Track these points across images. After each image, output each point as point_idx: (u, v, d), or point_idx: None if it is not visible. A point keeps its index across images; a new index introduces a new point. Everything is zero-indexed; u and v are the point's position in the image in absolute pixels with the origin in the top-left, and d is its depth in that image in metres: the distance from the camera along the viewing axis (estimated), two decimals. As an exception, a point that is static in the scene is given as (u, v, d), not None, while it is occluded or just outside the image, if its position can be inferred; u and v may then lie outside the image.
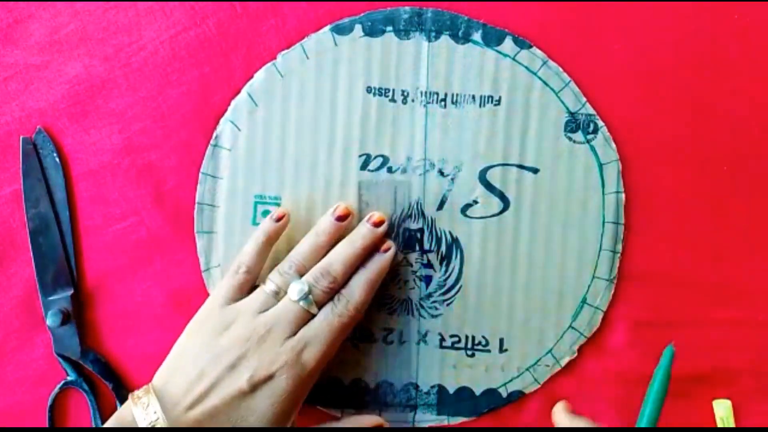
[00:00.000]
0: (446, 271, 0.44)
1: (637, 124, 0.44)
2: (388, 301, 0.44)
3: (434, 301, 0.44)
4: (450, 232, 0.44)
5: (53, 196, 0.45)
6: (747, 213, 0.45)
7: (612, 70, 0.44)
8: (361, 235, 0.42)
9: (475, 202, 0.44)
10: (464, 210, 0.44)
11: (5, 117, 0.45)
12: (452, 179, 0.44)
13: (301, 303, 0.39)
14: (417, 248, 0.44)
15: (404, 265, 0.44)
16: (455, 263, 0.44)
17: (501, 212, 0.44)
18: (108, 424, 0.37)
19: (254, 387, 0.38)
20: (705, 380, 0.45)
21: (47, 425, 0.44)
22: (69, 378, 0.44)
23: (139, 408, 0.37)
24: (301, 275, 0.40)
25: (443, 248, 0.44)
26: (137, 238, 0.45)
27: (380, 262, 0.42)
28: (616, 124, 0.44)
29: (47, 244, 0.44)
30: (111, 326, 0.45)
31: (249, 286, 0.41)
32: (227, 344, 0.39)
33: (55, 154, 0.44)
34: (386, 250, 0.42)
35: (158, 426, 0.36)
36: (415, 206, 0.44)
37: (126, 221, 0.45)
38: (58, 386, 0.44)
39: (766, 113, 0.45)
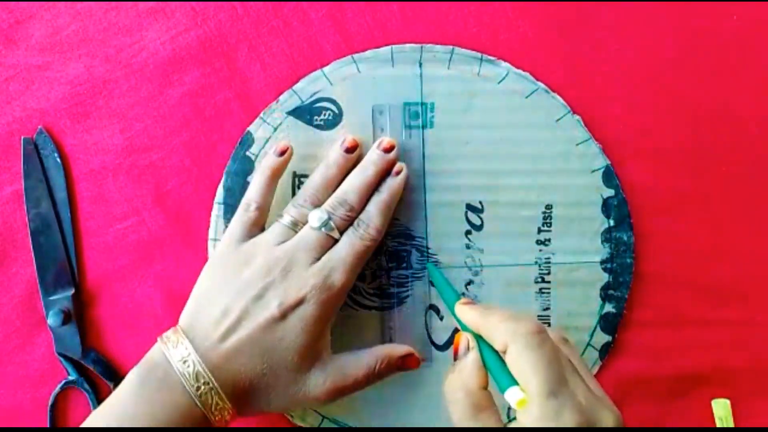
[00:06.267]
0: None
1: (637, 126, 0.45)
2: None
3: None
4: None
5: (54, 196, 0.45)
6: (746, 213, 0.45)
7: (611, 71, 0.45)
8: (372, 162, 0.42)
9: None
10: None
11: (6, 117, 0.45)
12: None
13: (323, 230, 0.40)
14: None
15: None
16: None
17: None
18: (137, 368, 0.38)
19: (284, 313, 0.38)
20: (704, 380, 0.45)
21: (48, 425, 0.44)
22: (70, 377, 0.44)
23: (169, 347, 0.37)
24: (317, 207, 0.41)
25: None
26: (138, 238, 0.45)
27: (393, 184, 0.42)
28: (616, 126, 0.45)
29: (48, 244, 0.44)
30: (112, 326, 0.45)
31: (261, 222, 0.42)
32: (250, 277, 0.39)
33: (56, 155, 0.45)
34: (398, 173, 0.42)
35: (190, 360, 0.37)
36: None
37: (127, 221, 0.45)
38: (59, 386, 0.44)
39: (764, 114, 0.45)
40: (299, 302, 0.38)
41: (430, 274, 0.44)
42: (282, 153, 0.42)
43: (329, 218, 0.40)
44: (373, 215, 0.41)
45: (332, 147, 0.43)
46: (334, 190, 0.41)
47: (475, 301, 0.39)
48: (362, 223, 0.40)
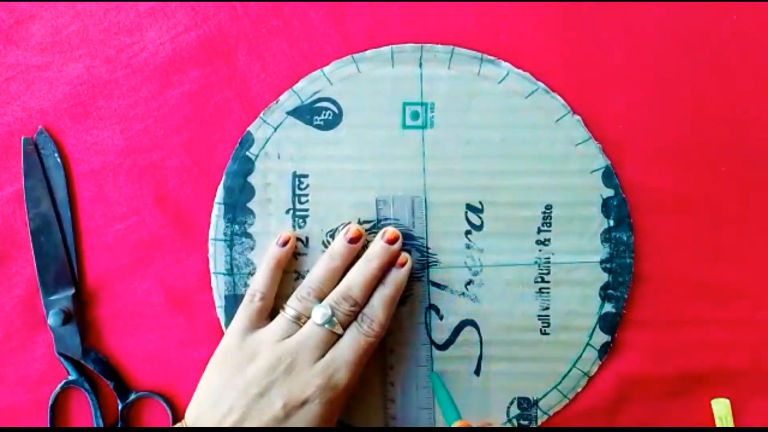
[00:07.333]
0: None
1: (637, 126, 0.45)
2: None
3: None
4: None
5: (54, 195, 0.45)
6: (746, 213, 0.45)
7: (612, 71, 0.45)
8: (376, 254, 0.42)
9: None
10: None
11: (7, 117, 0.45)
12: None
13: (326, 326, 0.39)
14: None
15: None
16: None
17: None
18: None
19: (289, 414, 0.38)
20: (704, 379, 0.45)
21: (48, 425, 0.44)
22: (70, 377, 0.44)
23: None
24: (320, 299, 0.41)
25: None
26: (138, 238, 0.45)
27: (397, 277, 0.42)
28: (616, 127, 0.45)
29: (49, 244, 0.44)
30: (112, 326, 0.45)
31: (266, 312, 0.42)
32: (254, 375, 0.39)
33: (56, 154, 0.45)
34: (402, 265, 0.42)
35: None
36: None
37: (127, 221, 0.45)
38: (60, 386, 0.44)
39: (764, 114, 0.45)
40: (304, 402, 0.38)
41: (433, 385, 0.43)
42: (284, 243, 0.43)
43: (333, 314, 0.40)
44: (377, 310, 0.41)
45: (336, 238, 0.43)
46: (337, 282, 0.41)
47: (471, 424, 0.40)
48: (366, 319, 0.40)
